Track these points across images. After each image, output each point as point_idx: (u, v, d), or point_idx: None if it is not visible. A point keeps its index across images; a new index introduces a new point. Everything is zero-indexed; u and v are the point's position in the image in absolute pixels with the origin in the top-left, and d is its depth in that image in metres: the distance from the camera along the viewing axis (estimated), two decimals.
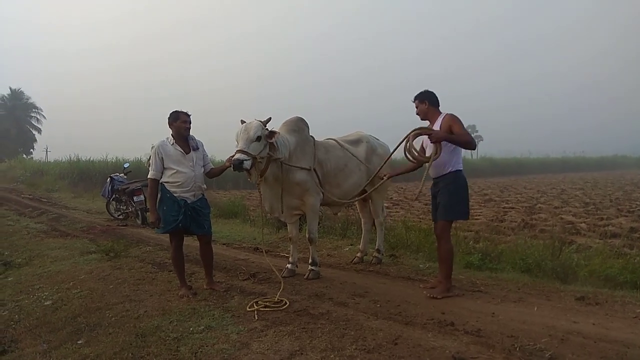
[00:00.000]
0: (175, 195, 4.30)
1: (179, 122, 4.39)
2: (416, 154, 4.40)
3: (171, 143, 4.37)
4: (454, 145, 4.24)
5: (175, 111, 4.44)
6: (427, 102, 4.42)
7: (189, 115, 4.44)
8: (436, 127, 4.29)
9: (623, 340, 3.14)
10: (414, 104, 4.52)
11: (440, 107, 4.45)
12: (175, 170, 4.32)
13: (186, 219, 4.32)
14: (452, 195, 4.27)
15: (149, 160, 4.46)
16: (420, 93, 4.49)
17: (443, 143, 4.21)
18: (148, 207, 9.77)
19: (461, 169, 4.34)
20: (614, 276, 4.80)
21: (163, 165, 4.33)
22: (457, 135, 4.19)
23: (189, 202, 4.35)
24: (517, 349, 3.01)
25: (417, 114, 4.51)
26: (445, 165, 4.30)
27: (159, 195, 4.37)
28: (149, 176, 4.38)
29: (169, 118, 4.42)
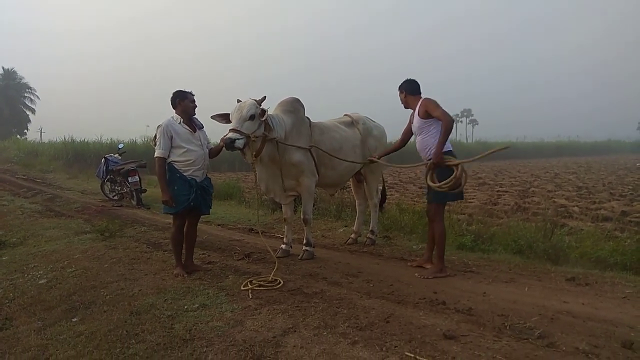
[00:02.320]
0: (185, 174, 4.29)
1: (187, 101, 4.38)
2: (434, 183, 4.27)
3: (178, 122, 4.34)
4: (437, 128, 4.27)
5: (182, 90, 4.41)
6: (404, 92, 4.54)
7: (193, 95, 4.44)
8: (416, 114, 4.42)
9: (612, 319, 3.20)
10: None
11: (424, 93, 4.50)
12: (185, 149, 4.29)
13: (197, 198, 4.34)
14: (442, 177, 4.28)
15: (154, 139, 4.36)
16: (400, 84, 4.58)
17: (426, 125, 4.32)
18: (148, 187, 9.84)
19: (450, 149, 4.35)
20: (604, 258, 4.87)
21: (171, 143, 4.28)
22: (442, 132, 4.19)
23: (198, 180, 4.36)
24: (507, 327, 3.06)
25: (402, 102, 4.63)
26: (432, 147, 4.32)
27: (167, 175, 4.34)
28: (156, 155, 4.27)
29: (175, 97, 4.38)
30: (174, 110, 4.41)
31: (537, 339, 2.87)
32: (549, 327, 3.06)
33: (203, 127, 4.55)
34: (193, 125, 4.43)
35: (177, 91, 4.42)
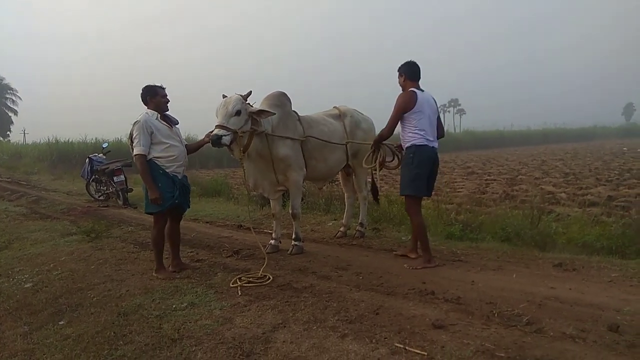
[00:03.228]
0: (168, 171, 4.17)
1: (159, 97, 4.24)
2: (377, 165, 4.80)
3: (156, 117, 4.19)
4: (408, 121, 4.28)
5: (151, 86, 4.25)
6: (404, 75, 4.42)
7: (164, 89, 4.31)
8: None
9: (598, 303, 3.23)
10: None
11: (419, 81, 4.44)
12: (168, 145, 4.16)
13: (180, 195, 4.24)
14: (405, 170, 4.32)
15: (130, 137, 4.16)
16: (401, 65, 4.46)
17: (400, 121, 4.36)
18: (134, 186, 9.72)
19: (422, 143, 4.26)
20: (591, 243, 4.92)
21: (151, 140, 4.11)
22: (378, 134, 4.67)
23: (179, 177, 4.27)
24: (496, 315, 3.07)
25: (399, 85, 4.50)
26: (403, 141, 4.41)
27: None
28: (137, 152, 4.06)
29: (145, 94, 4.22)
30: (146, 107, 4.26)
31: (525, 325, 2.89)
32: (536, 313, 3.08)
33: (178, 122, 4.42)
34: (168, 120, 4.31)
35: (146, 87, 4.25)
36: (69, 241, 6.16)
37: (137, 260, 5.02)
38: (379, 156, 4.76)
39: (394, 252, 4.81)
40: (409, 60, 4.44)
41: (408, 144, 4.32)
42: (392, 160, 4.76)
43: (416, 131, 4.26)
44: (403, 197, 4.52)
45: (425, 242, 4.36)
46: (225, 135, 4.19)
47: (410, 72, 4.38)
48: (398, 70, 4.46)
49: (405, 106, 4.26)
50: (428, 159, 4.29)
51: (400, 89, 4.46)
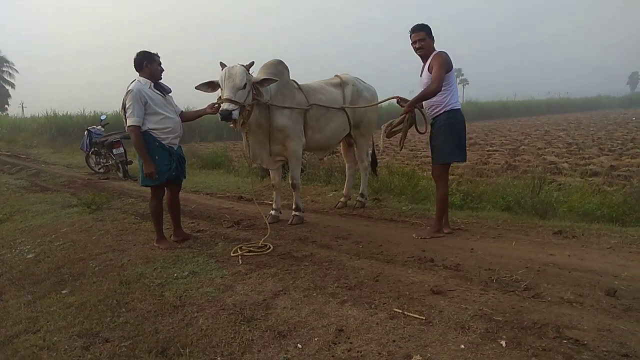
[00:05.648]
0: (164, 143, 4.09)
1: (155, 64, 4.10)
2: (390, 128, 4.34)
3: (149, 86, 4.05)
4: (445, 84, 3.98)
5: (147, 52, 4.11)
6: (425, 33, 4.08)
7: (159, 57, 4.18)
8: (426, 68, 4.08)
9: (597, 269, 3.24)
10: (411, 38, 4.13)
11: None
12: (163, 116, 4.05)
13: (177, 167, 4.19)
14: (447, 137, 4.13)
15: (123, 107, 4.01)
16: (417, 25, 4.12)
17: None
18: (133, 159, 9.69)
19: (457, 108, 4.15)
20: (591, 211, 4.92)
21: (145, 110, 3.98)
22: (421, 93, 4.06)
23: (175, 149, 4.21)
24: (494, 280, 3.09)
25: (417, 48, 4.10)
26: (439, 105, 4.12)
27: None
28: (131, 123, 3.91)
29: (141, 59, 4.05)
30: (138, 74, 4.10)
31: (523, 290, 2.90)
32: (535, 279, 3.10)
33: (171, 91, 4.29)
34: (161, 89, 4.18)
35: (143, 52, 4.09)
36: (70, 213, 6.17)
37: (138, 231, 5.04)
38: (406, 121, 4.29)
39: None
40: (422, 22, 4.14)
41: (447, 109, 4.09)
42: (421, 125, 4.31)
43: (452, 94, 4.09)
44: (430, 166, 4.34)
45: (442, 212, 4.28)
46: (234, 110, 4.11)
47: (429, 32, 4.09)
48: (415, 30, 4.08)
49: (448, 66, 4.00)
50: (463, 123, 4.23)
51: (420, 51, 4.11)
